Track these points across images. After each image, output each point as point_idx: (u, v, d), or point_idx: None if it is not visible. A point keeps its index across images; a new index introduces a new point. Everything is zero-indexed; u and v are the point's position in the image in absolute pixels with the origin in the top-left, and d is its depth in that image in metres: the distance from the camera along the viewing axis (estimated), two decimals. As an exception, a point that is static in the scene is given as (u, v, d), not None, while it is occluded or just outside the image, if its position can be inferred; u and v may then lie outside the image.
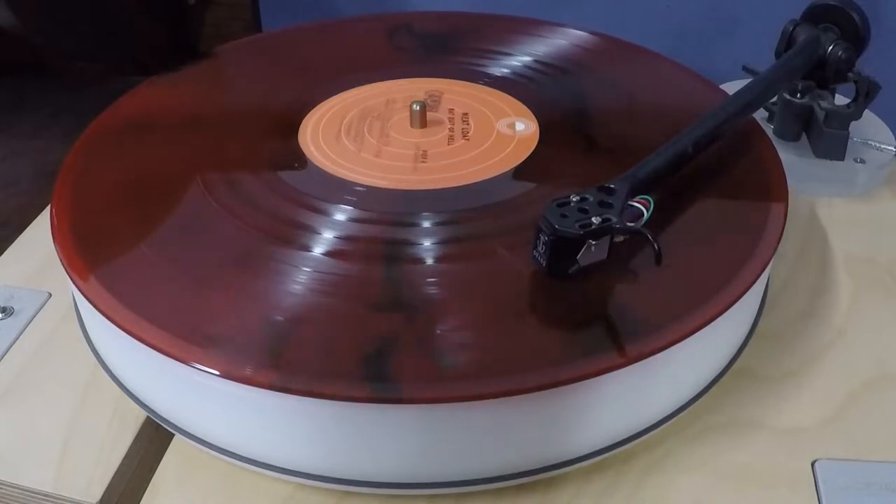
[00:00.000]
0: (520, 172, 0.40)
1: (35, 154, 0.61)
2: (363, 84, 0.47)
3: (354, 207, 0.37)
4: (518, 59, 0.49)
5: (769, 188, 0.39)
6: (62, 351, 0.37)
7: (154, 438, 0.34)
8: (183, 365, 0.30)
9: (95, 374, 0.36)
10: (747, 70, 0.48)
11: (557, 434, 0.31)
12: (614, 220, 0.32)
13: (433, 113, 0.44)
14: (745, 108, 0.42)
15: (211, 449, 0.32)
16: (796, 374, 0.36)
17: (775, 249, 0.35)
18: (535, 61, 0.49)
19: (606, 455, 0.32)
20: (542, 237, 0.32)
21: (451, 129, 0.43)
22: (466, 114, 0.44)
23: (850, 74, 0.46)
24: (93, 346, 0.37)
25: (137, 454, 0.34)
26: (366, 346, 0.31)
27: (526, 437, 0.30)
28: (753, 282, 0.33)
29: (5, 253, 0.43)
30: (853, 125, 0.46)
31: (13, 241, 0.44)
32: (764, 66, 0.46)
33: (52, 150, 0.58)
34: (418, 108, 0.43)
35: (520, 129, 0.39)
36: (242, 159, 0.41)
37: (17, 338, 0.38)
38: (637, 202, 0.34)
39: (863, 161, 0.47)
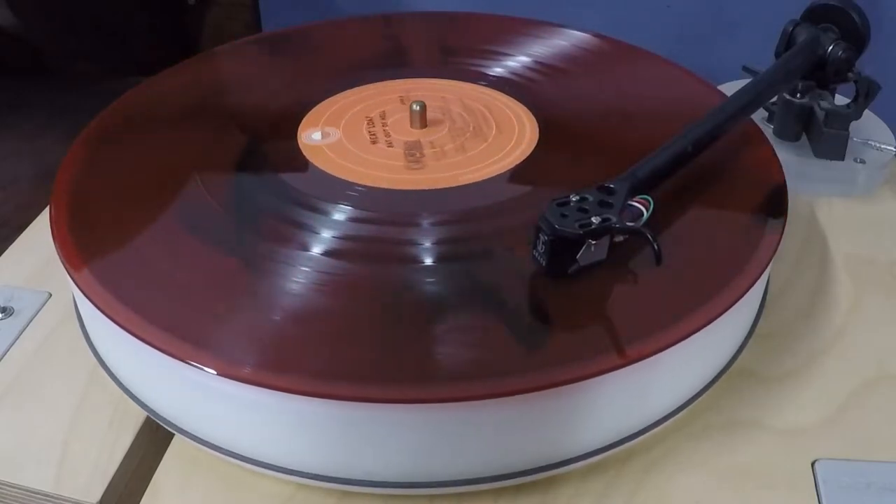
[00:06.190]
0: (519, 173, 0.40)
1: (35, 154, 0.61)
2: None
3: (354, 207, 0.37)
4: (518, 60, 0.49)
5: (769, 188, 0.39)
6: (62, 351, 0.37)
7: (154, 438, 0.34)
8: (183, 364, 0.30)
9: (95, 374, 0.36)
10: (747, 70, 0.48)
11: (557, 434, 0.31)
12: (614, 219, 0.32)
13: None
14: (745, 108, 0.42)
15: (211, 449, 0.32)
16: (796, 374, 0.36)
17: (775, 250, 0.35)
18: (535, 62, 0.49)
19: (606, 455, 0.32)
20: (541, 237, 0.32)
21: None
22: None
23: (850, 74, 0.46)
24: (93, 345, 0.37)
25: (137, 454, 0.33)
26: (365, 345, 0.31)
27: (526, 436, 0.30)
28: (753, 282, 0.33)
29: (5, 253, 0.43)
30: (853, 125, 0.46)
31: (13, 241, 0.44)
32: (764, 66, 0.46)
33: (52, 150, 0.58)
34: (418, 107, 0.43)
35: (315, 138, 0.40)
36: (243, 159, 0.41)
37: (17, 338, 0.38)
38: (637, 202, 0.34)
39: (863, 161, 0.47)
